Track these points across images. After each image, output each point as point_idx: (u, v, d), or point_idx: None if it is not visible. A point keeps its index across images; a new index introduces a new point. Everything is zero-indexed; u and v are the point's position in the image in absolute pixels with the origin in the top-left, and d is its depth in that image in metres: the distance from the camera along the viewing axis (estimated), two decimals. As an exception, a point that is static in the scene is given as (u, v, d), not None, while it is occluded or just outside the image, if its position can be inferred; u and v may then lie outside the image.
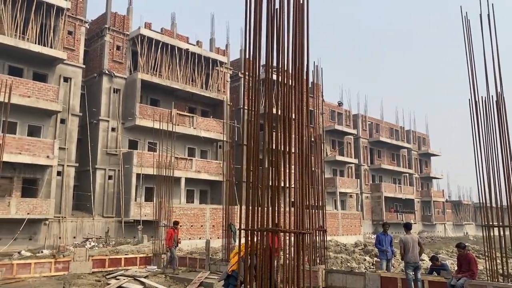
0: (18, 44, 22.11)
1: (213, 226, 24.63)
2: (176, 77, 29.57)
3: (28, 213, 21.07)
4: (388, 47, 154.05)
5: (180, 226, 16.02)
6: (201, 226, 24.33)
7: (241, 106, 34.58)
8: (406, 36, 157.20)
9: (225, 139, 30.73)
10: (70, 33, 25.48)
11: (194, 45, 31.47)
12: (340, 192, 40.91)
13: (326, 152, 40.62)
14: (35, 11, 23.13)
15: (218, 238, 22.52)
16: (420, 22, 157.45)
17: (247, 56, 5.31)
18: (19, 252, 19.16)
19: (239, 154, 32.49)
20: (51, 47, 23.66)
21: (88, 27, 27.72)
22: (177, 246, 15.07)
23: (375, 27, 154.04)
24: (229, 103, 31.86)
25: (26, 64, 23.53)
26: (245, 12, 5.05)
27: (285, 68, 5.01)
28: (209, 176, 29.60)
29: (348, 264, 16.66)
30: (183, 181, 27.66)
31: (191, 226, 23.68)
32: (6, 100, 13.73)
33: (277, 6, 4.94)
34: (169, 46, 29.13)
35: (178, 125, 26.46)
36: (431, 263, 12.13)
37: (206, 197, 31.05)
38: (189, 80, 30.41)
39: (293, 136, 4.90)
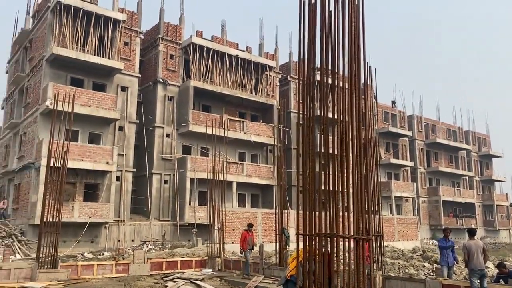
0: (79, 56, 23.40)
1: (265, 230, 24.69)
2: (226, 83, 30.05)
3: (90, 217, 22.15)
4: (444, 44, 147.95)
5: (254, 229, 15.75)
6: (253, 230, 24.42)
7: (291, 110, 34.54)
8: (463, 32, 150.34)
9: (275, 143, 30.91)
10: (126, 44, 26.61)
11: (243, 51, 31.85)
12: (395, 196, 39.68)
13: (380, 155, 39.58)
14: (94, 25, 24.39)
15: (270, 242, 22.56)
16: (478, 17, 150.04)
17: (300, 60, 5.29)
18: (82, 254, 20.17)
19: (289, 158, 32.44)
20: (109, 58, 24.83)
21: (143, 37, 28.83)
22: (252, 249, 14.78)
23: (429, 23, 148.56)
24: (278, 107, 31.92)
25: (86, 75, 24.82)
26: (299, 16, 5.04)
27: (341, 71, 4.94)
28: (260, 180, 29.76)
29: (406, 270, 16.11)
30: (234, 185, 27.99)
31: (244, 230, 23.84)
32: (70, 110, 14.57)
33: (331, 8, 4.89)
34: (220, 53, 29.67)
35: (229, 130, 26.82)
36: (497, 271, 11.45)
37: (257, 201, 31.20)
38: (239, 86, 30.80)
39: (350, 139, 4.82)
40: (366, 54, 5.43)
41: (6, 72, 33.12)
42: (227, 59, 30.02)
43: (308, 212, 4.62)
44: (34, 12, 27.51)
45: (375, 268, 11.35)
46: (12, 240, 20.09)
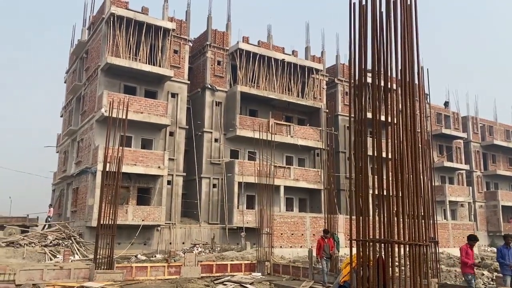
0: (131, 65, 24.32)
1: (314, 235, 24.41)
2: (272, 87, 30.15)
3: (142, 220, 22.89)
4: (502, 40, 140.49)
5: (332, 236, 13.98)
6: (302, 234, 24.26)
7: (338, 113, 34.08)
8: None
9: (322, 147, 30.57)
10: (175, 52, 27.37)
11: (289, 55, 31.82)
12: (450, 201, 38.06)
13: (433, 158, 38.14)
14: (145, 34, 25.29)
15: (319, 247, 22.30)
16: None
17: (351, 62, 5.22)
18: (135, 256, 20.85)
19: (337, 162, 31.98)
20: (159, 66, 25.63)
21: (191, 45, 29.53)
22: (331, 257, 13.63)
23: (483, 20, 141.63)
24: (325, 110, 31.58)
25: (138, 82, 25.76)
26: (349, 17, 4.98)
27: (393, 73, 4.82)
28: (308, 184, 29.53)
29: (463, 278, 15.35)
30: (282, 189, 27.96)
31: (292, 234, 23.75)
32: (124, 117, 15.15)
33: (383, 9, 4.79)
34: (266, 57, 29.82)
35: (275, 134, 26.87)
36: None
37: (305, 205, 30.98)
38: (285, 89, 30.80)
39: (405, 143, 4.68)
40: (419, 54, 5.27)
41: (65, 82, 35.04)
42: (273, 63, 30.13)
43: (362, 217, 4.54)
44: (90, 24, 28.90)
45: (430, 275, 10.94)
46: (71, 242, 21.16)
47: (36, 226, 26.42)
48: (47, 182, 35.63)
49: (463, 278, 9.92)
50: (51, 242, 20.62)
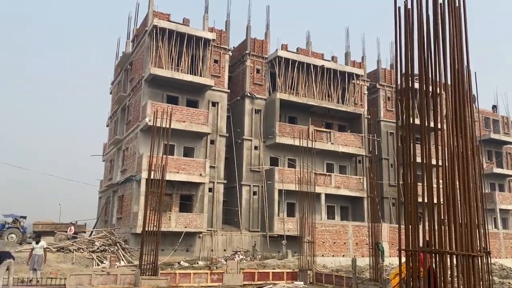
0: (173, 75, 24.92)
1: (356, 243, 23.95)
2: (312, 93, 29.97)
3: (185, 227, 23.25)
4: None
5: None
6: (344, 243, 23.85)
7: (381, 119, 33.36)
8: None
9: (364, 154, 30.01)
10: (216, 61, 27.80)
11: (329, 61, 31.55)
12: (500, 209, 36.28)
13: (482, 165, 36.52)
14: (186, 45, 25.85)
15: (362, 256, 21.84)
16: None
17: (396, 68, 5.11)
18: (178, 263, 21.17)
19: (380, 169, 31.25)
20: (200, 75, 26.10)
21: (231, 54, 29.90)
22: None
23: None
24: (367, 116, 31.00)
25: (180, 92, 26.32)
26: (395, 22, 4.88)
27: (442, 78, 4.67)
28: (350, 192, 29.02)
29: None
30: (323, 197, 27.62)
31: (334, 243, 23.41)
32: (167, 126, 15.51)
33: (429, 12, 4.67)
34: (305, 64, 29.72)
35: (315, 141, 26.63)
36: None
37: (347, 214, 30.43)
38: (325, 96, 30.53)
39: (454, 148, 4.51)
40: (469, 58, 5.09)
41: (110, 93, 36.34)
42: (312, 70, 29.98)
43: (411, 227, 4.40)
44: (133, 37, 29.88)
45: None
46: (117, 248, 21.79)
47: (84, 232, 27.43)
48: (94, 189, 36.93)
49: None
50: (98, 248, 21.31)
